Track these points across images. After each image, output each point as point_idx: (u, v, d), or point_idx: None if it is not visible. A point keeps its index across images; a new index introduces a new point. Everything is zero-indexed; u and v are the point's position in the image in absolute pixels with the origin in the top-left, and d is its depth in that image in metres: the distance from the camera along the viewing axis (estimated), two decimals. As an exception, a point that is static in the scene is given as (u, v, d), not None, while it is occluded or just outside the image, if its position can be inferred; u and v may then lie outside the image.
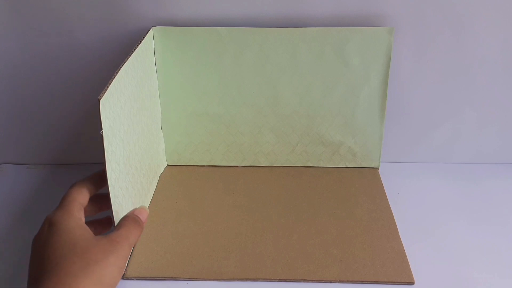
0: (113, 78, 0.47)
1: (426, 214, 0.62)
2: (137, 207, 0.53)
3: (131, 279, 0.51)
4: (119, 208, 0.49)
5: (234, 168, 0.69)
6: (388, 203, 0.62)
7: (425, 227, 0.59)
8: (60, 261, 0.42)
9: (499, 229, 0.59)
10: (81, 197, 0.49)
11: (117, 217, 0.49)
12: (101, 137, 0.44)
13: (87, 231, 0.46)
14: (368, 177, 0.67)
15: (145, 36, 0.59)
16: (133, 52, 0.54)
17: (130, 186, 0.53)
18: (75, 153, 0.71)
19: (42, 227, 0.45)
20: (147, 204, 0.61)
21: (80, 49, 0.64)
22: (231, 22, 0.62)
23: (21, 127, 0.70)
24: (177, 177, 0.68)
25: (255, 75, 0.64)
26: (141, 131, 0.58)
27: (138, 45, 0.56)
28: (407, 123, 0.69)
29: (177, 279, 0.52)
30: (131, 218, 0.50)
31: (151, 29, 0.61)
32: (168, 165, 0.70)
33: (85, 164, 0.71)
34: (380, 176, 0.67)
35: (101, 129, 0.44)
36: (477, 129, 0.69)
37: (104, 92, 0.44)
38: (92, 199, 0.51)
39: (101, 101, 0.43)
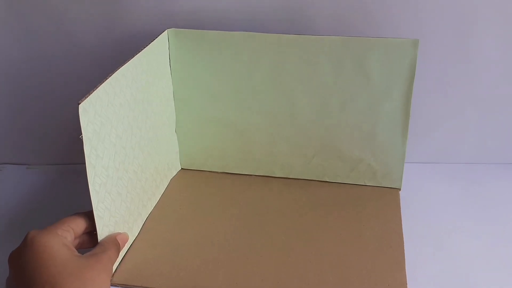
0: (102, 82, 0.46)
1: (426, 214, 0.61)
2: (121, 232, 0.52)
3: (116, 286, 0.50)
4: (104, 213, 0.48)
5: (247, 177, 0.67)
6: (401, 229, 0.57)
7: (425, 227, 0.59)
8: (58, 281, 0.41)
9: (500, 230, 0.58)
10: (74, 222, 0.48)
11: (100, 223, 0.48)
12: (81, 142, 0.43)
13: (70, 249, 0.45)
14: (386, 199, 0.62)
15: (156, 38, 0.57)
16: (136, 54, 0.52)
17: (124, 190, 0.52)
18: (75, 153, 0.69)
19: (20, 244, 0.45)
20: (150, 209, 0.60)
21: (81, 49, 0.64)
22: (232, 21, 0.62)
23: (21, 127, 0.71)
24: (187, 182, 0.66)
25: (270, 82, 0.61)
26: (145, 135, 0.57)
27: (144, 48, 0.54)
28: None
29: (162, 290, 0.50)
30: (115, 242, 0.49)
31: (166, 31, 0.60)
32: (182, 168, 0.69)
33: (85, 164, 0.71)
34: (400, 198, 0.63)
35: (81, 134, 0.43)
36: (477, 129, 0.68)
37: (87, 97, 0.43)
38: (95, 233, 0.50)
39: (81, 105, 0.42)
